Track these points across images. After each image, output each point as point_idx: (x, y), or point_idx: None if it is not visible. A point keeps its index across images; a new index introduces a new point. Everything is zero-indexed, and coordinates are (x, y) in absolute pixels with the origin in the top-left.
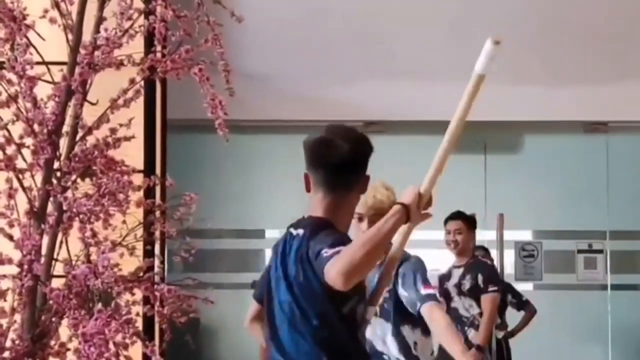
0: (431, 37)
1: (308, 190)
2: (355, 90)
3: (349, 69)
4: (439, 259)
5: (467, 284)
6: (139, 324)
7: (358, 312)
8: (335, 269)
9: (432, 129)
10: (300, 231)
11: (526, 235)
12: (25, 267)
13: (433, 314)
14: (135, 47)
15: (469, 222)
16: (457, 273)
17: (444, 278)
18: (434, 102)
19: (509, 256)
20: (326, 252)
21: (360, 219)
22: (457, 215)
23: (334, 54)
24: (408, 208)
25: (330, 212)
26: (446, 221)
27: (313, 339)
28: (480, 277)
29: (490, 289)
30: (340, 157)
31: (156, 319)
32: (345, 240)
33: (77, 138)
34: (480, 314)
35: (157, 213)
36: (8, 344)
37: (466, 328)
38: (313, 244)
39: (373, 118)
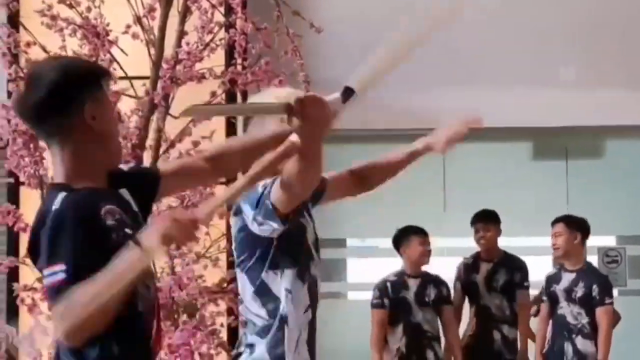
0: (512, 44)
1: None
2: (436, 98)
3: (429, 77)
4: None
5: (579, 292)
6: (224, 334)
7: None
8: (61, 328)
9: (513, 135)
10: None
11: (609, 241)
12: None
13: None
14: (216, 60)
15: (572, 225)
16: (568, 278)
17: (552, 280)
18: (514, 109)
19: (592, 262)
20: (48, 272)
21: None
22: (560, 219)
23: (414, 62)
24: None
25: (68, 171)
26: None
27: None
28: (595, 288)
29: (607, 301)
30: (34, 103)
31: (240, 329)
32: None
33: (161, 151)
34: (589, 323)
35: None
36: None
37: (574, 336)
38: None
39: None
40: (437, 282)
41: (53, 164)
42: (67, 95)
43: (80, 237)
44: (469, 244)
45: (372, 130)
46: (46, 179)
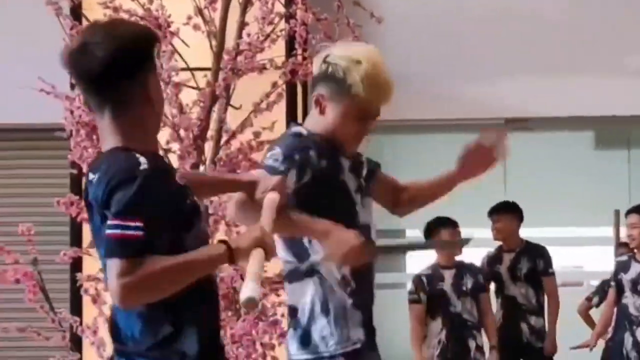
0: (573, 31)
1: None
2: (495, 87)
3: (488, 65)
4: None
5: None
6: (285, 324)
7: None
8: (122, 281)
9: (574, 124)
10: (96, 175)
11: None
12: None
13: None
14: (276, 51)
15: None
16: (637, 269)
17: (621, 267)
18: (576, 98)
19: None
20: (111, 223)
21: None
22: (634, 210)
23: (473, 51)
24: (234, 251)
25: (122, 136)
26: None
27: None
28: None
29: None
30: (95, 68)
31: None
32: (141, 193)
33: (222, 142)
34: None
35: None
36: None
37: (634, 327)
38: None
39: (514, 115)
40: (473, 270)
41: (102, 130)
42: (131, 66)
43: (167, 199)
44: (531, 233)
45: (428, 120)
46: None
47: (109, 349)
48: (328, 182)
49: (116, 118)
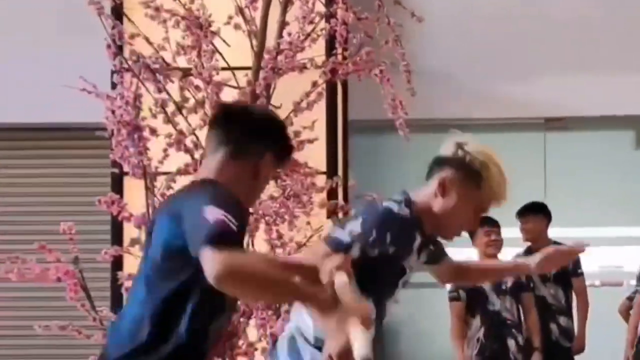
0: (613, 29)
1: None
2: (535, 87)
3: (527, 65)
4: None
5: None
6: None
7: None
8: (223, 257)
9: (614, 124)
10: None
11: None
12: None
13: None
14: (317, 50)
15: None
16: None
17: None
18: (616, 97)
19: None
20: (206, 209)
21: None
22: None
23: (512, 50)
24: (328, 306)
25: (215, 173)
26: None
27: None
28: None
29: None
30: (251, 119)
31: None
32: (235, 204)
33: None
34: None
35: (340, 214)
36: None
37: None
38: (190, 198)
39: (553, 114)
40: None
41: (205, 163)
42: (268, 137)
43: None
44: (570, 233)
45: (469, 119)
46: (149, 169)
47: None
48: (389, 264)
49: (223, 160)
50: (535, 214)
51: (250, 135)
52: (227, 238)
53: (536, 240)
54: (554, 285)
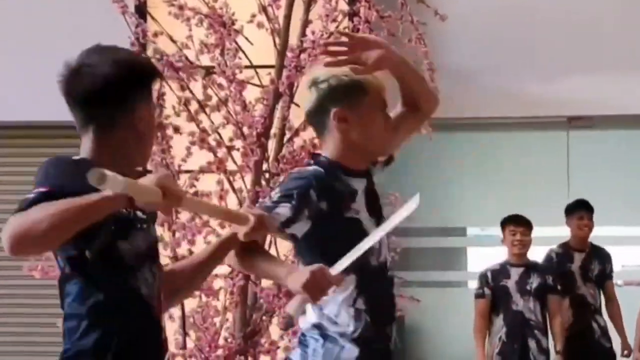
0: (637, 28)
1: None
2: (558, 85)
3: (551, 62)
4: None
5: None
6: None
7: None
8: (7, 229)
9: (639, 122)
10: None
11: None
12: None
13: None
14: None
15: None
16: None
17: None
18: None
19: None
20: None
21: None
22: None
23: (535, 48)
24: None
25: (91, 152)
26: None
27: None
28: None
29: None
30: (87, 90)
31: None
32: (59, 178)
33: (285, 140)
34: None
35: None
36: (221, 342)
37: None
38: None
39: (576, 113)
40: (543, 270)
41: (83, 145)
42: (123, 92)
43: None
44: (594, 232)
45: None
46: (173, 167)
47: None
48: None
49: (97, 139)
50: (591, 212)
51: (105, 104)
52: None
53: (585, 240)
54: (594, 285)
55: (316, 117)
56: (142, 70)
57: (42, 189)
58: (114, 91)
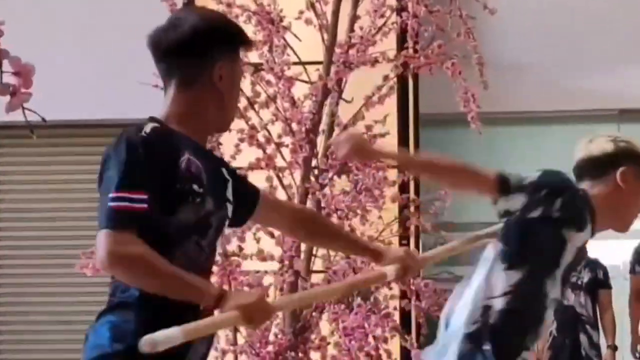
0: None
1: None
2: (609, 78)
3: (602, 56)
4: None
5: None
6: (397, 317)
7: None
8: (111, 247)
9: None
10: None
11: None
12: (286, 263)
13: None
14: (388, 44)
15: None
16: None
17: None
18: None
19: None
20: (111, 195)
21: None
22: None
23: (586, 41)
24: (222, 299)
25: (172, 113)
26: None
27: None
28: None
29: None
30: (174, 40)
31: (413, 313)
32: (139, 163)
33: (334, 135)
34: None
35: (412, 208)
36: (271, 338)
37: None
38: (107, 170)
39: (628, 106)
40: (594, 265)
41: (164, 101)
42: (206, 45)
43: (150, 171)
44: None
45: (542, 112)
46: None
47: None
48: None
49: (176, 93)
50: None
51: (188, 55)
52: (122, 219)
53: None
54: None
55: (603, 166)
56: (228, 28)
57: (134, 195)
58: (199, 42)
